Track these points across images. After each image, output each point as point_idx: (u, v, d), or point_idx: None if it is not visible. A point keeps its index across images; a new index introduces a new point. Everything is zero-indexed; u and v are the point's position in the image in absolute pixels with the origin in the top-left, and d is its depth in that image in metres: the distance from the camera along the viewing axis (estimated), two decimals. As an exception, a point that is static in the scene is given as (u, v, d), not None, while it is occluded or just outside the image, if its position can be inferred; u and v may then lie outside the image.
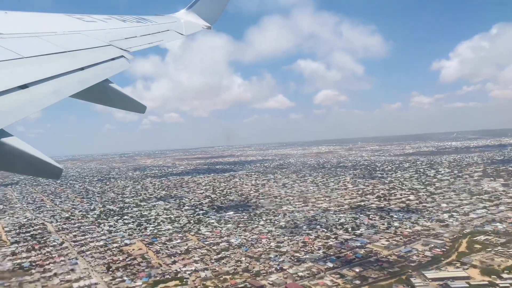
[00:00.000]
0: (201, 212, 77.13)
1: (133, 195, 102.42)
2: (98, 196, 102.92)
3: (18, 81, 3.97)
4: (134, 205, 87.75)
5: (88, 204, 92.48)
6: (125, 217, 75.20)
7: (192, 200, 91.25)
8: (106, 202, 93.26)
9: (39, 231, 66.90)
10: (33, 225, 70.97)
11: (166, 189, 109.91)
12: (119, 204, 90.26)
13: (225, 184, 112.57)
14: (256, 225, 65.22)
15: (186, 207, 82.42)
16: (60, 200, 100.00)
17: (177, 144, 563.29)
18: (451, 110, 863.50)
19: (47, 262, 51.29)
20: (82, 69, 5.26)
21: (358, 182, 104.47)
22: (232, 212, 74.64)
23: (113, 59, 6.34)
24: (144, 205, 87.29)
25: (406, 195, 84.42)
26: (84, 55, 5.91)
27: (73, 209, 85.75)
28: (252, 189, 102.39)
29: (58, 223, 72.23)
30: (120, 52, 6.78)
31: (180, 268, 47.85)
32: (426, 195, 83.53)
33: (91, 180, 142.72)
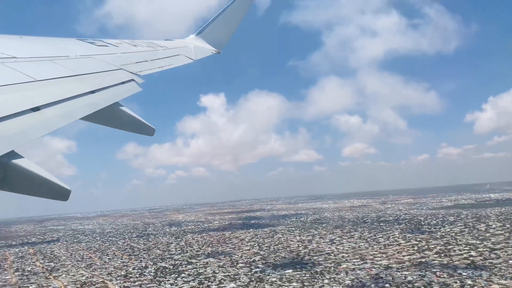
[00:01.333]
0: (258, 269, 75.81)
1: (179, 251, 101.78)
2: (145, 253, 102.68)
3: (30, 103, 4.01)
4: (186, 262, 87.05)
5: (137, 261, 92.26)
6: (182, 275, 74.47)
7: (243, 257, 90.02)
8: (156, 259, 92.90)
9: (102, 290, 66.95)
10: (93, 283, 70.98)
11: (210, 245, 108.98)
12: (169, 261, 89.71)
13: (269, 240, 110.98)
14: (321, 284, 63.56)
15: (240, 265, 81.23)
16: (108, 257, 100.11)
17: (203, 198, 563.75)
18: (480, 161, 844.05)
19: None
20: (92, 92, 5.29)
21: (409, 237, 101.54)
22: (291, 270, 73.08)
23: (123, 82, 6.37)
24: (196, 262, 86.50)
25: (466, 251, 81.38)
26: (95, 78, 5.96)
27: (126, 267, 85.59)
28: (300, 245, 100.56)
29: (118, 281, 72.03)
30: (130, 75, 6.82)
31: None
32: (487, 250, 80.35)
33: (130, 236, 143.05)
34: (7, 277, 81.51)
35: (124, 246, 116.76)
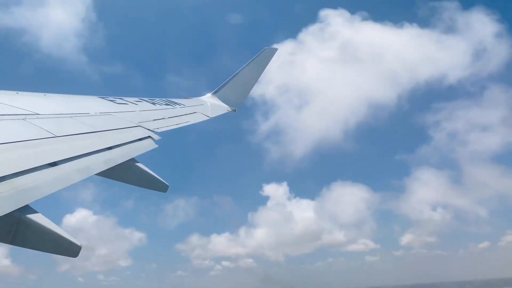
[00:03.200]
0: None
1: None
2: None
3: (48, 158, 4.06)
4: None
5: None
6: None
7: None
8: None
9: None
10: None
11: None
12: None
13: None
14: None
15: None
16: None
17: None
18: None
19: None
20: (109, 148, 5.36)
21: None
22: None
23: (140, 139, 6.47)
24: None
25: None
26: (112, 135, 6.07)
27: None
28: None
29: None
30: (147, 132, 6.94)
31: None
32: None
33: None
34: None
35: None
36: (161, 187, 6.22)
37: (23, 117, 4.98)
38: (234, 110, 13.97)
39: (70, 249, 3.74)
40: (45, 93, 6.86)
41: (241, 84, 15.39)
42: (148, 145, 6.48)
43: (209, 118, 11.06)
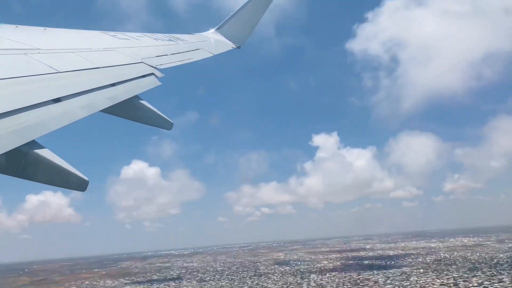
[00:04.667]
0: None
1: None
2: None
3: (52, 94, 4.05)
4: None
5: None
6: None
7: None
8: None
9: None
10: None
11: (347, 286, 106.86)
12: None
13: (408, 283, 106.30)
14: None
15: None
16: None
17: (287, 236, 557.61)
18: None
19: None
20: (113, 85, 5.28)
21: None
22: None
23: (143, 76, 6.34)
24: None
25: None
26: (115, 71, 5.92)
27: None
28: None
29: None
30: (150, 69, 6.77)
31: None
32: None
33: (249, 275, 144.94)
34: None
35: (255, 286, 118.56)
36: (166, 125, 6.23)
37: (24, 51, 4.93)
38: (239, 47, 13.55)
39: (78, 184, 3.89)
40: (45, 27, 6.69)
41: (245, 19, 14.53)
42: (151, 82, 6.39)
43: (213, 55, 10.74)
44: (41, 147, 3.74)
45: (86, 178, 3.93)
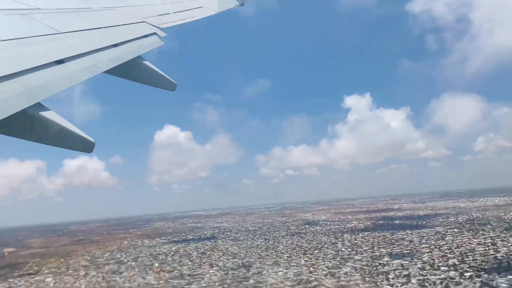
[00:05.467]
0: (469, 274, 73.46)
1: (353, 252, 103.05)
2: (318, 252, 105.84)
3: (54, 56, 4.00)
4: (376, 263, 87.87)
5: (328, 261, 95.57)
6: (389, 275, 75.36)
7: (434, 259, 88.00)
8: (340, 260, 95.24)
9: None
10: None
11: (380, 246, 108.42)
12: (356, 262, 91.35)
13: (444, 242, 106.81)
14: None
15: (443, 268, 79.51)
16: (290, 256, 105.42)
17: (311, 197, 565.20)
18: None
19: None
20: (115, 45, 5.21)
21: None
22: (513, 276, 69.46)
23: (146, 36, 6.24)
24: (386, 262, 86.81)
25: None
26: (117, 31, 5.82)
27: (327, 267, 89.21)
28: (485, 248, 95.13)
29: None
30: (153, 29, 6.63)
31: None
32: None
33: (282, 235, 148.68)
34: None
35: (291, 245, 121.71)
36: (169, 86, 6.19)
37: (25, 12, 4.84)
38: (242, 4, 13.14)
39: (84, 145, 3.94)
40: None
41: None
42: (154, 42, 6.35)
43: (216, 13, 10.45)
44: (46, 109, 3.78)
45: (92, 140, 3.99)
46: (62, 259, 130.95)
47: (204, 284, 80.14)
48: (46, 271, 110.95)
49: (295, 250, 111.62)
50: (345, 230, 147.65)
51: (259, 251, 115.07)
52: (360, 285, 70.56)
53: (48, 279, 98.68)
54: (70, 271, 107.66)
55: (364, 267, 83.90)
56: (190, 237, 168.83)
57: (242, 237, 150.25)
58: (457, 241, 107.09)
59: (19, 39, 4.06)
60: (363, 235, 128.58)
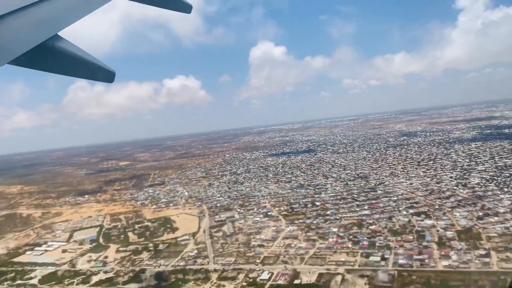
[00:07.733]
0: None
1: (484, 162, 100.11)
2: (441, 163, 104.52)
3: None
4: None
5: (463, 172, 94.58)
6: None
7: None
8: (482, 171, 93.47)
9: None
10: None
11: (504, 155, 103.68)
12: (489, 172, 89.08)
13: None
14: None
15: None
16: (415, 167, 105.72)
17: (394, 107, 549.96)
18: None
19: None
20: None
21: None
22: None
23: None
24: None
25: None
26: None
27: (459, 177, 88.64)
28: None
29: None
30: None
31: None
32: None
33: (384, 147, 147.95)
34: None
35: (399, 157, 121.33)
36: (185, 8, 6.38)
37: None
38: None
39: (105, 75, 3.96)
40: None
41: None
42: None
43: None
44: (64, 40, 3.78)
45: (112, 70, 4.05)
46: (179, 171, 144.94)
47: (332, 194, 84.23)
48: (171, 182, 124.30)
49: (407, 162, 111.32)
50: (452, 140, 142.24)
51: (369, 163, 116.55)
52: (500, 195, 69.36)
53: (179, 189, 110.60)
54: (194, 182, 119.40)
55: (494, 178, 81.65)
56: (287, 150, 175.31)
57: (341, 150, 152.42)
58: None
59: None
60: (476, 145, 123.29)
